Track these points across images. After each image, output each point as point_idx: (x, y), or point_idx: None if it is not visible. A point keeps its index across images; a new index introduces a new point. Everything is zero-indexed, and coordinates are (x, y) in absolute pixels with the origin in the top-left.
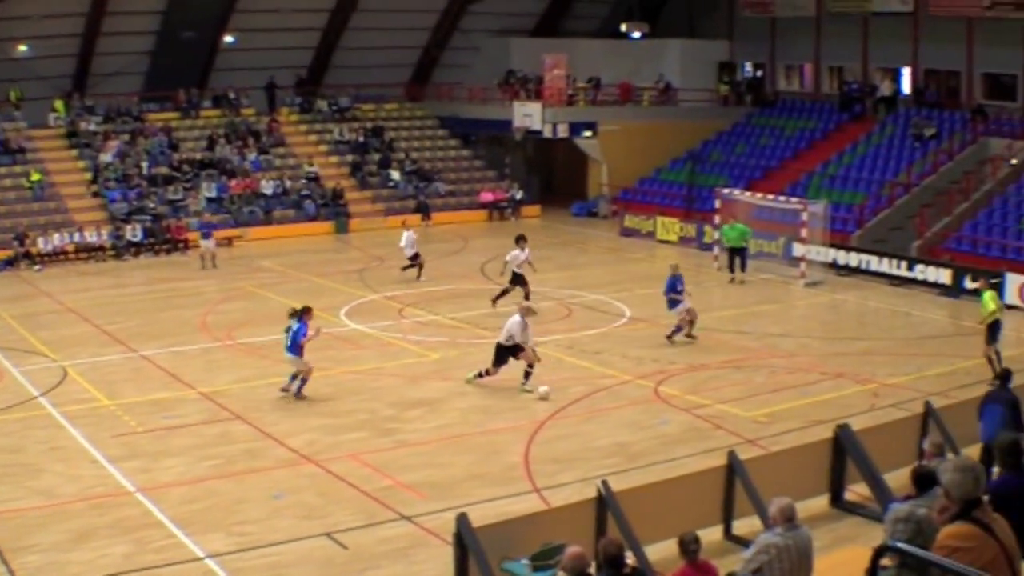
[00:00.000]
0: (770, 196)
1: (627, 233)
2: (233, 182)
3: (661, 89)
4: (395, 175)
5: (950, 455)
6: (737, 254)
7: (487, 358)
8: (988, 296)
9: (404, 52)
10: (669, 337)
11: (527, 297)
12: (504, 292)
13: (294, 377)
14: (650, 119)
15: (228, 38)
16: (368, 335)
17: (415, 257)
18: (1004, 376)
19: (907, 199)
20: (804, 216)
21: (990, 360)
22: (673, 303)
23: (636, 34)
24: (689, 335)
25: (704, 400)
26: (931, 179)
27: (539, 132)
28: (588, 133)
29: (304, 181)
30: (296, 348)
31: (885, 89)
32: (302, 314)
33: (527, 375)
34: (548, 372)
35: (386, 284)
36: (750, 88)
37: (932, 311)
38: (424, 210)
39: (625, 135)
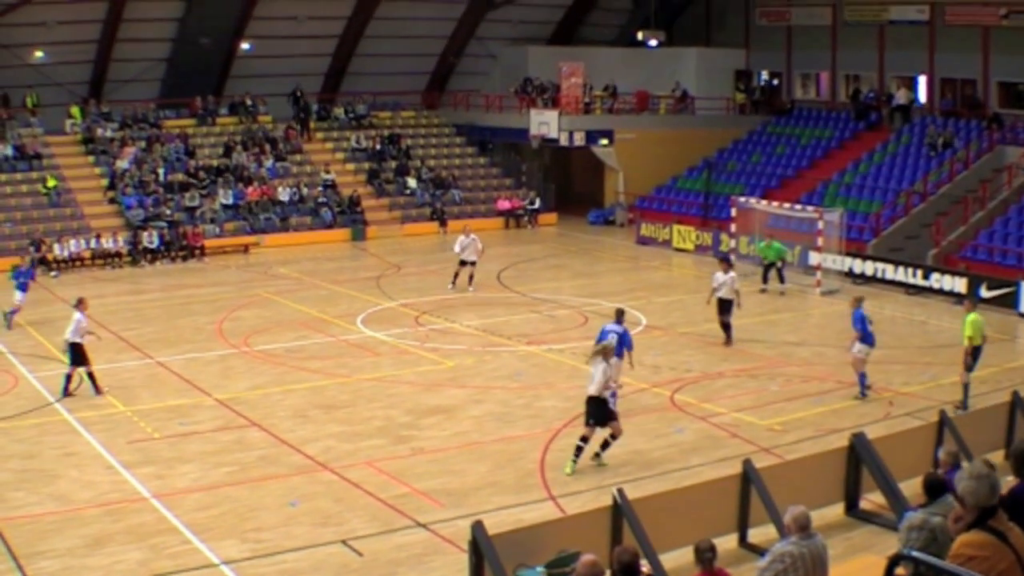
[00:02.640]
0: (786, 205)
1: (643, 241)
2: (250, 189)
3: (677, 97)
4: (412, 183)
5: (965, 464)
6: (773, 267)
7: (502, 365)
8: (969, 320)
9: (421, 60)
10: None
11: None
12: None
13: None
14: (666, 127)
15: (245, 45)
16: (384, 342)
17: (464, 264)
18: None
19: (923, 208)
20: (820, 224)
21: (965, 387)
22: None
23: (653, 42)
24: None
25: (719, 408)
26: (947, 188)
27: (556, 140)
28: (604, 141)
29: (321, 188)
30: None
31: (901, 98)
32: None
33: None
34: (564, 380)
35: (403, 291)
36: (766, 96)
37: (947, 320)
38: (440, 217)
39: (641, 143)
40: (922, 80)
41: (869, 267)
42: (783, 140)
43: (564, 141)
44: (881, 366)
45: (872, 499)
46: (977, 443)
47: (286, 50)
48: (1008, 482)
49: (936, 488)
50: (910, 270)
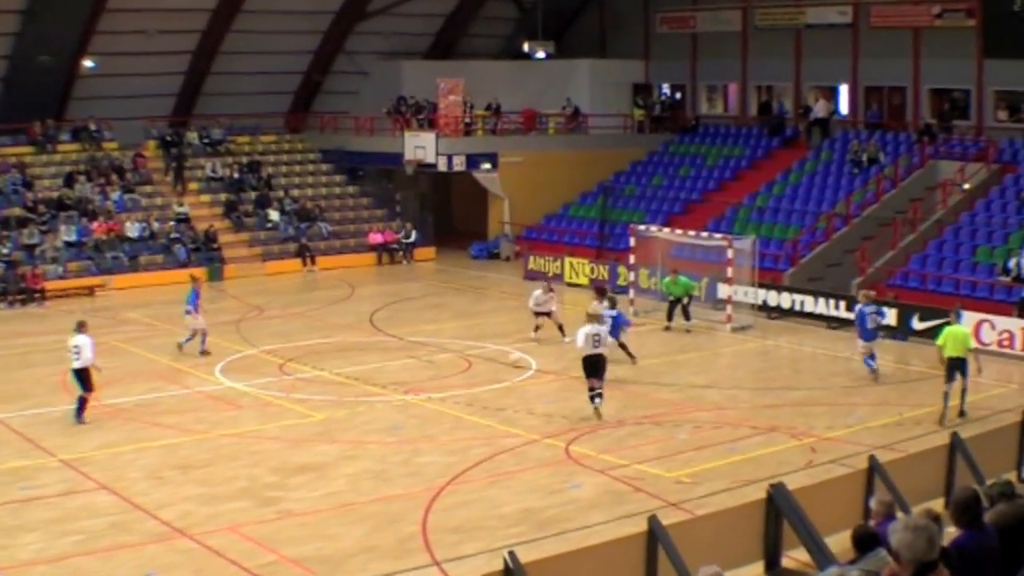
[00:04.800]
0: (691, 232)
1: (532, 276)
2: (95, 224)
3: (569, 115)
4: (274, 215)
5: (900, 514)
6: (679, 303)
7: (377, 417)
8: (946, 331)
9: (283, 78)
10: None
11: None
12: None
13: None
14: (557, 148)
15: (88, 63)
16: (246, 394)
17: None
18: None
19: (846, 232)
20: (730, 253)
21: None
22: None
23: (540, 54)
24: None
25: (621, 460)
26: (873, 208)
27: (433, 165)
28: (487, 165)
29: (173, 223)
30: None
31: (820, 110)
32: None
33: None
34: (447, 432)
35: (265, 337)
36: (668, 112)
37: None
38: (306, 254)
39: (529, 167)
40: (844, 89)
41: (786, 299)
42: (687, 160)
43: (443, 166)
44: (802, 408)
45: (795, 556)
46: (913, 491)
47: (134, 68)
48: (949, 533)
49: (867, 541)
50: (832, 301)
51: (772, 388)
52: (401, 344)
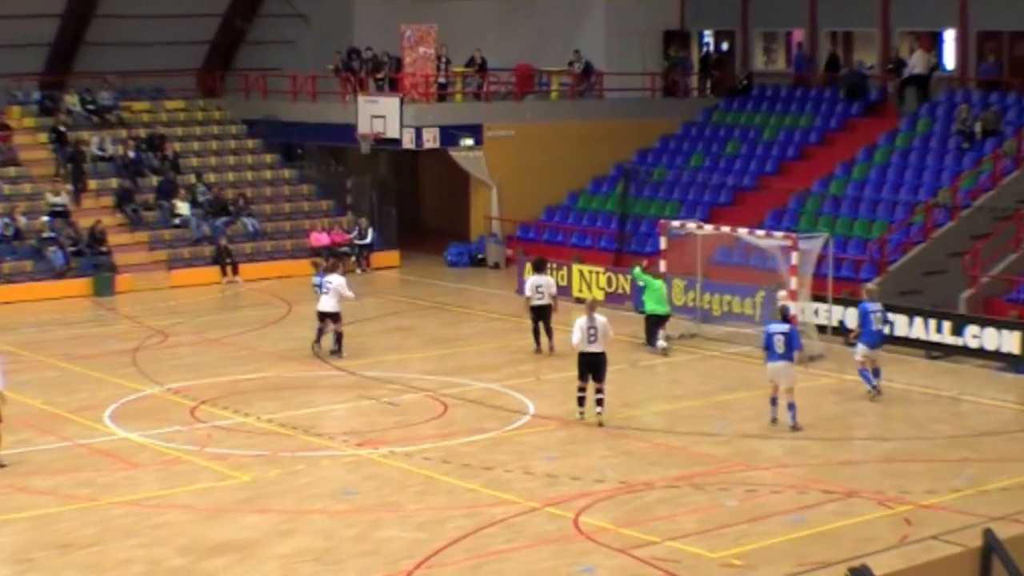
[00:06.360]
0: (742, 230)
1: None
2: None
3: (578, 74)
4: (183, 208)
5: None
6: (657, 323)
7: (323, 478)
8: None
9: (195, 23)
10: None
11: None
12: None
13: None
14: (562, 118)
15: None
16: (146, 447)
17: (541, 315)
18: None
19: (951, 228)
20: (794, 258)
21: None
22: None
23: None
24: None
25: (649, 535)
26: (989, 196)
27: (397, 141)
28: (469, 142)
29: (47, 218)
30: None
31: (917, 64)
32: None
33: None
34: (414, 499)
35: (172, 371)
36: (711, 69)
37: (991, 394)
38: (226, 260)
39: (524, 143)
40: (949, 36)
41: None
42: (736, 134)
43: (409, 142)
44: (892, 466)
45: None
46: None
47: None
48: None
49: None
50: (932, 322)
51: (851, 438)
52: (354, 381)
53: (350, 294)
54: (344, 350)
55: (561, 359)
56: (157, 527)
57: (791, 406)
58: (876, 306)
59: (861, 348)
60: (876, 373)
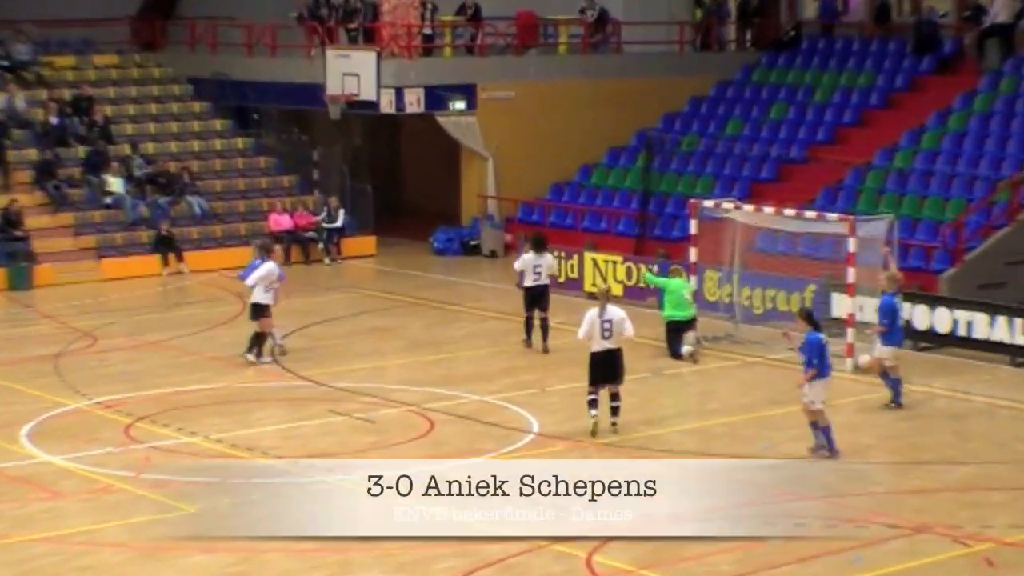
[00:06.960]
0: (788, 211)
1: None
2: None
3: (590, 23)
4: (115, 184)
5: None
6: (680, 329)
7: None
8: None
9: None
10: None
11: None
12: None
13: None
14: (571, 77)
15: None
16: (72, 473)
17: (537, 300)
18: None
19: None
20: (851, 245)
21: None
22: None
23: None
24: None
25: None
26: None
27: (373, 104)
28: (460, 105)
29: None
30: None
31: (999, 12)
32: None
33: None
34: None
35: (102, 381)
36: (750, 18)
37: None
38: (168, 247)
39: (527, 107)
40: None
41: (944, 318)
42: (782, 95)
43: (388, 106)
44: (970, 495)
45: None
46: None
47: None
48: None
49: None
50: (1019, 322)
51: (921, 463)
52: (322, 393)
53: (275, 284)
54: (266, 355)
55: (569, 366)
56: (84, 570)
57: (814, 426)
58: (899, 298)
59: (890, 350)
60: (899, 381)
